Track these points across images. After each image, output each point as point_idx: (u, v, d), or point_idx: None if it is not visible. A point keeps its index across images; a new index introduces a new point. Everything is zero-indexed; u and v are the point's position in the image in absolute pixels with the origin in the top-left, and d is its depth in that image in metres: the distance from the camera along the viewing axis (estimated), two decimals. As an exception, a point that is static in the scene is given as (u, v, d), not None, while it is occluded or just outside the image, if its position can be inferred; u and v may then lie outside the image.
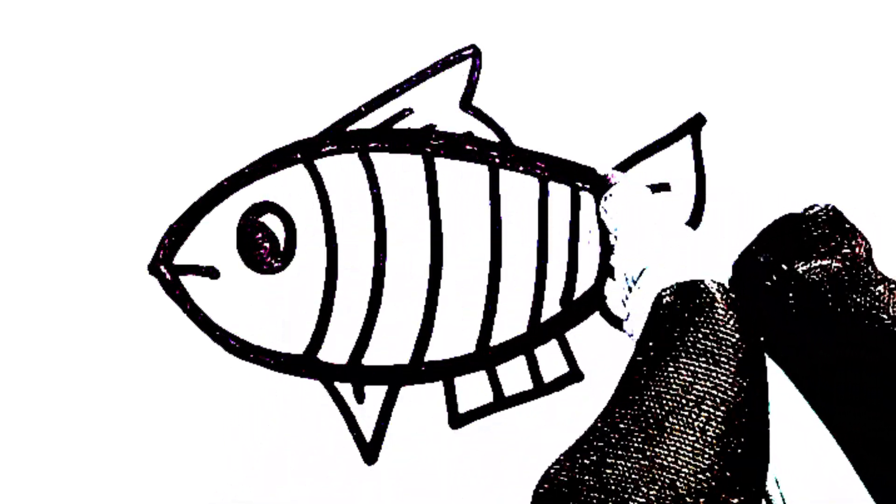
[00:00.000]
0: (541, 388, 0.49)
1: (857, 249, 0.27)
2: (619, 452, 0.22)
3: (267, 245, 0.45)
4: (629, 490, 0.20)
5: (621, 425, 0.22)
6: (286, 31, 0.46)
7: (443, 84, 0.47)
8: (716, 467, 0.21)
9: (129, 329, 0.45)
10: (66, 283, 0.45)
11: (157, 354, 0.45)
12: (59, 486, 0.45)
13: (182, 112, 0.45)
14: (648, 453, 0.21)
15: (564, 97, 0.48)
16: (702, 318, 0.24)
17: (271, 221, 0.45)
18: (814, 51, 0.49)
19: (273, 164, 0.45)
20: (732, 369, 0.23)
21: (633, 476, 0.21)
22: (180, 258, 0.45)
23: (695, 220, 0.49)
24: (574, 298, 0.49)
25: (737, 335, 0.24)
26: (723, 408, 0.22)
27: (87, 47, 0.45)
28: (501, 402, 0.48)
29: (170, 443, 0.45)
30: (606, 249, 0.49)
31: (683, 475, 0.21)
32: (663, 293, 0.26)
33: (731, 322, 0.24)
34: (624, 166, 0.49)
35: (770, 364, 0.26)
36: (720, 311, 0.24)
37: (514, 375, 0.49)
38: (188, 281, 0.45)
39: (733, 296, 0.25)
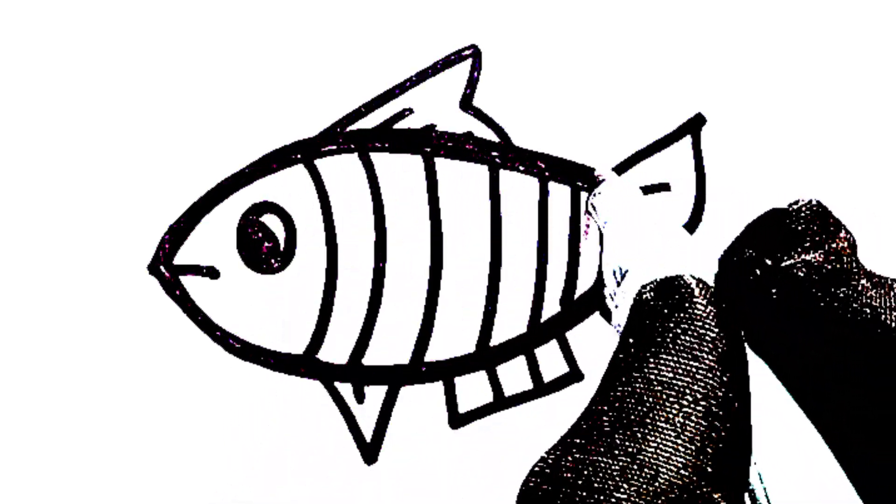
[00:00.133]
0: (541, 388, 0.49)
1: (840, 244, 0.27)
2: (602, 449, 0.22)
3: (267, 245, 0.45)
4: (612, 486, 0.21)
5: (604, 422, 0.23)
6: (286, 31, 0.46)
7: (443, 84, 0.47)
8: (697, 461, 0.21)
9: (129, 329, 0.45)
10: (66, 284, 0.45)
11: (157, 354, 0.45)
12: (60, 486, 0.45)
13: (182, 112, 0.45)
14: (630, 449, 0.21)
15: (564, 97, 0.48)
16: (681, 314, 0.24)
17: (271, 221, 0.45)
18: (814, 51, 0.49)
19: (273, 164, 0.45)
20: (712, 364, 0.23)
21: (615, 472, 0.21)
22: (180, 258, 0.45)
23: (695, 220, 0.49)
24: (574, 298, 0.49)
25: (716, 330, 0.24)
26: (703, 402, 0.22)
27: (87, 47, 0.45)
28: (501, 402, 0.48)
29: (170, 443, 0.45)
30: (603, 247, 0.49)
31: (665, 470, 0.21)
32: (643, 290, 0.27)
33: (711, 317, 0.24)
34: (624, 166, 0.49)
35: (754, 358, 0.26)
36: (699, 306, 0.24)
37: (514, 375, 0.49)
38: (188, 281, 0.45)
39: (713, 290, 0.25)
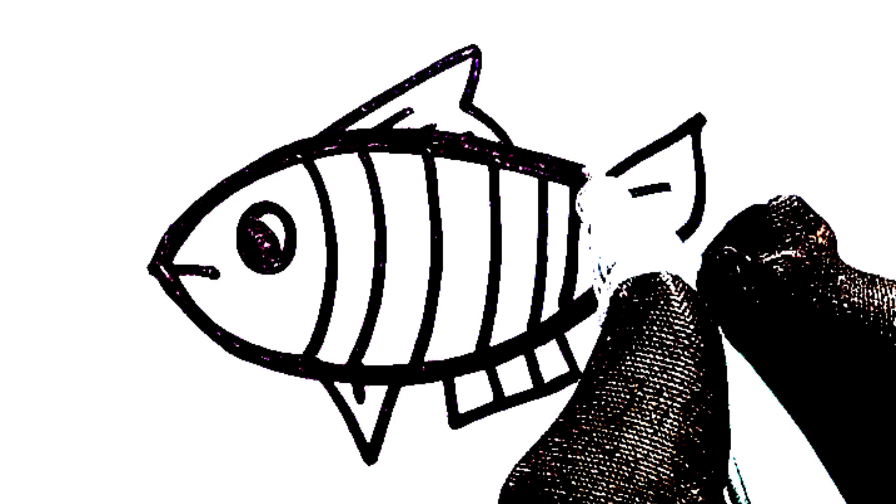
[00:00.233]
0: (541, 388, 0.49)
1: (820, 240, 0.27)
2: (579, 447, 0.22)
3: (267, 245, 0.45)
4: (590, 484, 0.21)
5: (581, 420, 0.23)
6: (286, 31, 0.46)
7: (443, 84, 0.47)
8: (675, 458, 0.21)
9: (129, 329, 0.45)
10: (65, 283, 0.44)
11: (157, 354, 0.45)
12: (59, 486, 0.45)
13: (182, 112, 0.45)
14: (608, 447, 0.21)
15: (564, 97, 0.48)
16: (657, 311, 0.24)
17: (271, 221, 0.45)
18: (814, 51, 0.49)
19: (273, 164, 0.45)
20: (689, 360, 0.23)
21: (592, 470, 0.21)
22: (180, 258, 0.45)
23: (695, 220, 0.49)
24: (574, 298, 0.49)
25: (693, 326, 0.24)
26: (680, 399, 0.22)
27: (87, 47, 0.45)
28: (501, 402, 0.48)
29: (170, 443, 0.45)
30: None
31: (643, 467, 0.21)
32: (620, 287, 0.27)
33: (687, 313, 0.24)
34: (624, 166, 0.49)
35: (734, 354, 0.26)
36: (675, 303, 0.24)
37: (514, 375, 0.49)
38: (188, 281, 0.45)
39: (690, 287, 0.25)
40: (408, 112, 0.47)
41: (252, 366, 0.46)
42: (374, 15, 0.46)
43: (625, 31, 0.48)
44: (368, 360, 0.47)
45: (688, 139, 0.49)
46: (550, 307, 0.49)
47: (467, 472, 0.48)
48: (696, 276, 0.29)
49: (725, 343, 0.26)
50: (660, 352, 0.23)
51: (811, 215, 0.28)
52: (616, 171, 0.49)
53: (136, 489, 0.45)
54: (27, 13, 0.45)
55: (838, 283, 0.25)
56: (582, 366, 0.49)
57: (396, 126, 0.46)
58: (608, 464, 0.21)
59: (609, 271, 0.34)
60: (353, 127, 0.46)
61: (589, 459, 0.21)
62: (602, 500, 0.20)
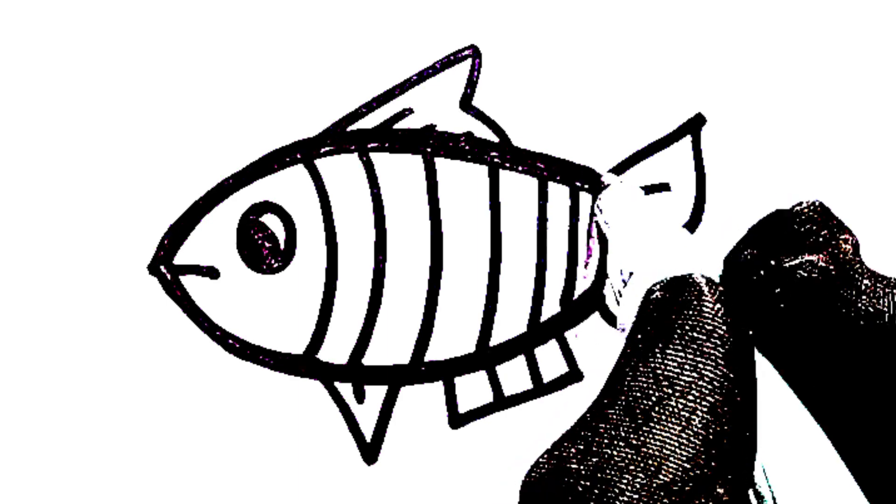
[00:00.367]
0: (541, 388, 0.49)
1: (844, 245, 0.27)
2: (605, 441, 0.22)
3: (267, 245, 0.45)
4: (614, 477, 0.21)
5: (609, 415, 0.23)
6: (286, 31, 0.46)
7: (443, 84, 0.47)
8: (701, 456, 0.21)
9: (129, 329, 0.45)
10: (65, 283, 0.45)
11: (157, 354, 0.45)
12: (59, 486, 0.45)
13: (182, 112, 0.45)
14: (634, 442, 0.21)
15: (564, 97, 0.48)
16: (690, 311, 0.24)
17: (271, 221, 0.46)
18: (814, 51, 0.49)
19: (273, 164, 0.45)
20: (720, 360, 0.23)
21: (618, 463, 0.21)
22: (180, 258, 0.45)
23: (695, 220, 0.49)
24: (574, 298, 0.49)
25: (724, 328, 0.24)
26: (710, 398, 0.22)
27: (87, 47, 0.45)
28: (501, 402, 0.48)
29: (170, 443, 0.45)
30: (604, 248, 0.49)
31: (669, 463, 0.21)
32: (654, 287, 0.27)
33: (720, 315, 0.24)
34: (624, 166, 0.49)
35: (759, 357, 0.26)
36: (708, 304, 0.24)
37: (514, 375, 0.49)
38: (188, 281, 0.45)
39: (722, 289, 0.26)
40: (408, 112, 0.47)
41: (252, 366, 0.46)
42: (375, 15, 0.46)
43: (625, 32, 0.48)
44: (368, 360, 0.47)
45: (688, 139, 0.49)
46: (550, 307, 0.49)
47: (467, 472, 0.48)
48: (718, 280, 0.29)
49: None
50: (691, 351, 0.23)
51: (834, 221, 0.28)
52: (616, 171, 0.49)
53: (137, 488, 0.45)
54: (27, 13, 0.45)
55: (862, 287, 0.25)
56: (582, 366, 0.49)
57: (396, 126, 0.47)
58: (634, 458, 0.21)
59: (629, 276, 0.34)
60: (353, 127, 0.46)
61: (615, 453, 0.21)
62: (627, 493, 0.20)
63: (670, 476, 0.20)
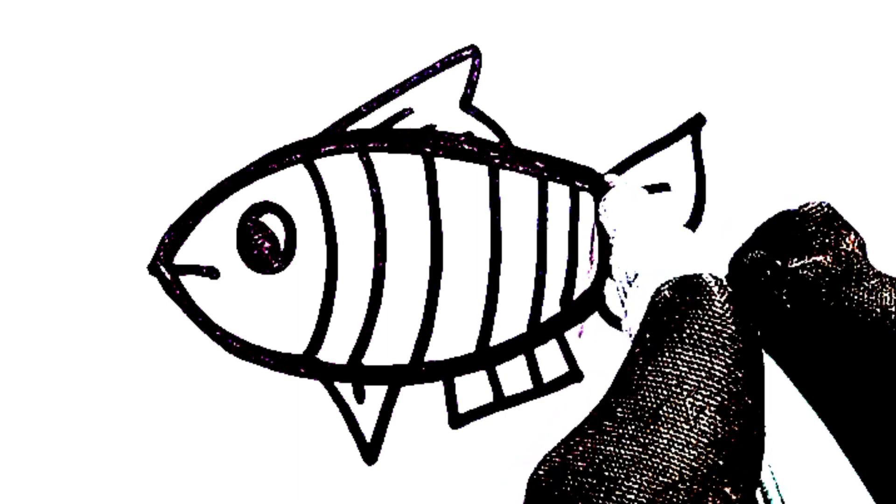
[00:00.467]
0: (541, 388, 0.49)
1: (850, 245, 0.27)
2: (613, 439, 0.22)
3: (267, 245, 0.45)
4: (621, 475, 0.21)
5: (616, 413, 0.23)
6: (286, 31, 0.46)
7: (443, 84, 0.47)
8: (709, 455, 0.21)
9: (129, 329, 0.45)
10: (65, 283, 0.45)
11: (157, 354, 0.45)
12: (59, 486, 0.45)
13: (182, 112, 0.45)
14: (642, 440, 0.21)
15: (564, 97, 0.48)
16: (699, 311, 0.24)
17: (271, 221, 0.46)
18: (814, 51, 0.49)
19: (273, 164, 0.45)
20: (729, 361, 0.23)
21: (626, 462, 0.21)
22: (180, 258, 0.45)
23: (695, 220, 0.49)
24: (574, 298, 0.49)
25: (733, 328, 0.24)
26: (718, 397, 0.22)
27: (87, 47, 0.45)
28: (501, 402, 0.48)
29: (169, 443, 0.45)
30: (606, 249, 0.49)
31: (676, 462, 0.21)
32: (662, 287, 0.27)
33: (728, 315, 0.24)
34: (624, 166, 0.49)
35: (766, 358, 0.26)
36: (717, 303, 0.24)
37: (514, 375, 0.49)
38: (188, 281, 0.45)
39: (731, 290, 0.26)
40: (408, 112, 0.47)
41: (252, 366, 0.46)
42: (375, 15, 0.46)
43: (625, 32, 0.48)
44: (368, 360, 0.47)
45: (688, 139, 0.49)
46: (550, 307, 0.49)
47: (467, 472, 0.48)
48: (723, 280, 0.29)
49: None
50: (700, 350, 0.23)
51: (841, 221, 0.28)
52: (616, 171, 0.49)
53: (137, 488, 0.45)
54: (27, 13, 0.45)
55: (869, 288, 0.25)
56: (582, 366, 0.49)
57: (396, 126, 0.47)
58: (642, 456, 0.21)
59: (635, 278, 0.34)
60: (353, 127, 0.46)
61: (622, 451, 0.21)
62: (634, 491, 0.20)
63: (677, 475, 0.20)
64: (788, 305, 0.26)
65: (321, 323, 0.46)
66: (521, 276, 0.48)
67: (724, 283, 0.26)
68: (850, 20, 0.49)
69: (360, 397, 0.47)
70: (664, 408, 0.22)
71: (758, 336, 0.25)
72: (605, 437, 0.22)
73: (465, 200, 0.47)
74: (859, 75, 0.49)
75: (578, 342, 0.49)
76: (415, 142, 0.47)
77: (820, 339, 0.25)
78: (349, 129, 0.46)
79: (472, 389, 0.48)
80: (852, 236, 0.28)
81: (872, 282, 0.25)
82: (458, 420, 0.48)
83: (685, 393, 0.22)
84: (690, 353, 0.23)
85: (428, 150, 0.47)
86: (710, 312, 0.24)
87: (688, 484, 0.20)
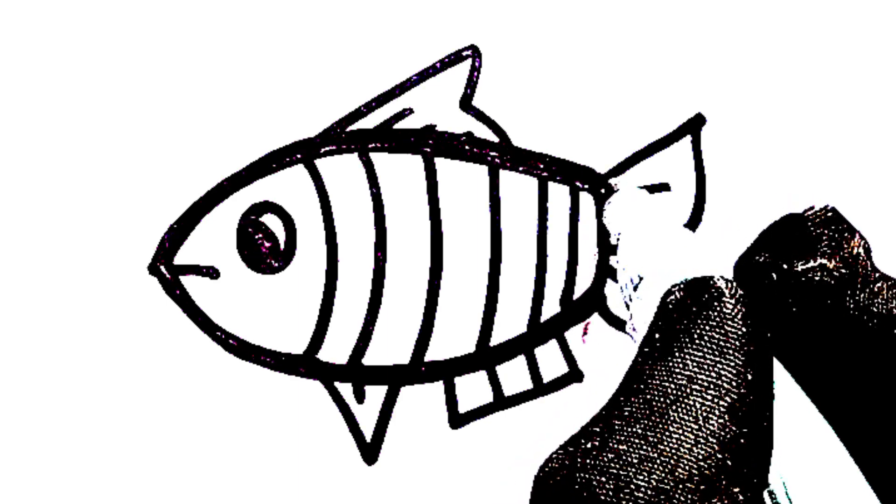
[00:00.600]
0: (541, 388, 0.49)
1: (855, 248, 0.27)
2: (622, 437, 0.22)
3: (267, 245, 0.45)
4: (630, 473, 0.21)
5: (625, 412, 0.23)
6: (286, 31, 0.46)
7: (443, 84, 0.47)
8: (718, 455, 0.21)
9: (129, 329, 0.45)
10: (65, 283, 0.45)
11: (157, 354, 0.45)
12: (59, 486, 0.45)
13: (182, 112, 0.45)
14: (651, 439, 0.21)
15: (564, 97, 0.48)
16: (710, 312, 0.24)
17: (271, 221, 0.46)
18: (814, 51, 0.49)
19: (273, 164, 0.45)
20: (739, 362, 0.23)
21: (634, 460, 0.21)
22: (180, 258, 0.45)
23: (695, 220, 0.49)
24: (574, 298, 0.49)
25: (744, 330, 0.24)
26: (727, 398, 0.22)
27: (87, 47, 0.45)
28: (501, 402, 0.48)
29: (169, 443, 0.45)
30: (605, 249, 0.49)
31: (686, 460, 0.21)
32: (672, 288, 0.27)
33: (739, 316, 0.24)
34: (624, 166, 0.49)
35: (773, 361, 0.26)
36: (728, 305, 0.25)
37: (514, 375, 0.49)
38: (188, 281, 0.45)
39: (742, 292, 0.26)
40: (408, 112, 0.47)
41: (252, 366, 0.46)
42: (375, 15, 0.46)
43: (625, 32, 0.48)
44: (368, 360, 0.47)
45: (688, 139, 0.49)
46: (550, 307, 0.49)
47: (467, 472, 0.48)
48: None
49: None
50: (710, 351, 0.23)
51: (846, 225, 0.28)
52: (616, 171, 0.49)
53: (137, 488, 0.45)
54: (27, 13, 0.45)
55: (875, 290, 0.25)
56: (582, 366, 0.49)
57: (396, 126, 0.47)
58: (651, 455, 0.21)
59: (640, 281, 0.34)
60: (353, 127, 0.46)
61: (632, 449, 0.21)
62: (643, 489, 0.20)
63: (686, 474, 0.20)
64: (794, 308, 0.26)
65: (321, 323, 0.46)
66: (521, 276, 0.48)
67: (735, 285, 0.26)
68: (850, 20, 0.49)
69: (360, 397, 0.47)
70: (673, 407, 0.22)
71: (768, 338, 0.25)
72: (614, 436, 0.22)
73: (465, 200, 0.47)
74: (859, 75, 0.49)
75: (580, 342, 0.49)
76: (415, 142, 0.47)
77: (826, 342, 0.25)
78: (349, 129, 0.46)
79: (472, 389, 0.48)
80: (857, 239, 0.28)
81: (877, 284, 0.25)
82: (458, 420, 0.48)
83: (695, 393, 0.22)
84: (701, 354, 0.23)
85: (428, 150, 0.47)
86: (721, 314, 0.24)
87: (696, 483, 0.20)
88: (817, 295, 0.26)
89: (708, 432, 0.21)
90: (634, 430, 0.22)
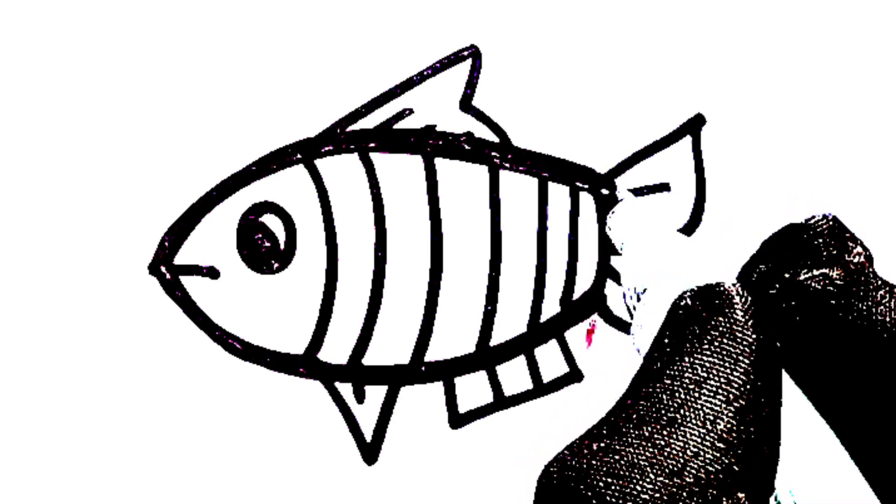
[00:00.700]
0: (541, 388, 0.49)
1: (857, 257, 0.28)
2: (629, 440, 0.22)
3: (267, 245, 0.45)
4: (636, 474, 0.21)
5: (632, 415, 0.23)
6: (286, 31, 0.46)
7: (443, 84, 0.47)
8: (725, 460, 0.21)
9: (129, 329, 0.45)
10: (66, 283, 0.45)
11: (157, 354, 0.45)
12: (59, 486, 0.45)
13: (182, 112, 0.45)
14: (658, 442, 0.22)
15: (564, 97, 0.48)
16: (720, 318, 0.25)
17: (271, 221, 0.46)
18: (814, 51, 0.49)
19: (273, 165, 0.45)
20: (748, 368, 0.23)
21: (641, 462, 0.21)
22: (180, 258, 0.45)
23: (695, 221, 0.49)
24: (574, 298, 0.49)
25: (753, 337, 0.24)
26: (735, 404, 0.22)
27: (87, 47, 0.45)
28: (501, 402, 0.48)
29: (170, 443, 0.45)
30: (605, 250, 0.49)
31: (692, 465, 0.21)
32: (684, 294, 0.27)
33: (749, 323, 0.25)
34: (624, 166, 0.49)
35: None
36: (739, 312, 0.25)
37: (514, 375, 0.49)
38: (188, 281, 0.45)
39: (752, 299, 0.26)
40: (408, 112, 0.47)
41: (252, 366, 0.46)
42: (375, 15, 0.46)
43: (625, 32, 0.48)
44: (368, 360, 0.47)
45: (688, 139, 0.49)
46: (551, 307, 0.49)
47: (467, 472, 0.48)
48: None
49: None
50: (719, 356, 0.24)
51: (847, 234, 0.29)
52: (616, 171, 0.49)
53: (137, 488, 0.45)
54: (27, 13, 0.45)
55: (878, 298, 0.25)
56: (582, 366, 0.49)
57: (396, 126, 0.47)
58: (658, 457, 0.21)
59: (643, 291, 0.34)
60: (353, 127, 0.46)
61: (639, 451, 0.22)
62: (649, 491, 0.20)
63: (692, 477, 0.20)
64: (798, 317, 0.26)
65: (321, 323, 0.46)
66: (521, 276, 0.48)
67: (746, 292, 0.26)
68: (850, 20, 0.49)
69: (360, 397, 0.47)
70: (681, 411, 0.22)
71: (777, 346, 0.25)
72: (621, 438, 0.22)
73: (465, 200, 0.47)
74: (859, 75, 0.49)
75: (584, 347, 0.49)
76: (415, 142, 0.47)
77: (829, 350, 0.25)
78: (349, 129, 0.46)
79: (472, 389, 0.48)
80: (859, 248, 0.28)
81: (880, 292, 0.26)
82: (458, 420, 0.48)
83: (703, 397, 0.22)
84: (710, 359, 0.23)
85: (428, 150, 0.47)
86: (732, 320, 0.24)
87: (703, 487, 0.20)
88: (820, 304, 0.26)
89: (715, 436, 0.21)
90: (642, 432, 0.22)
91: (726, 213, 0.49)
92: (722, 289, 0.26)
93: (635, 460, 0.21)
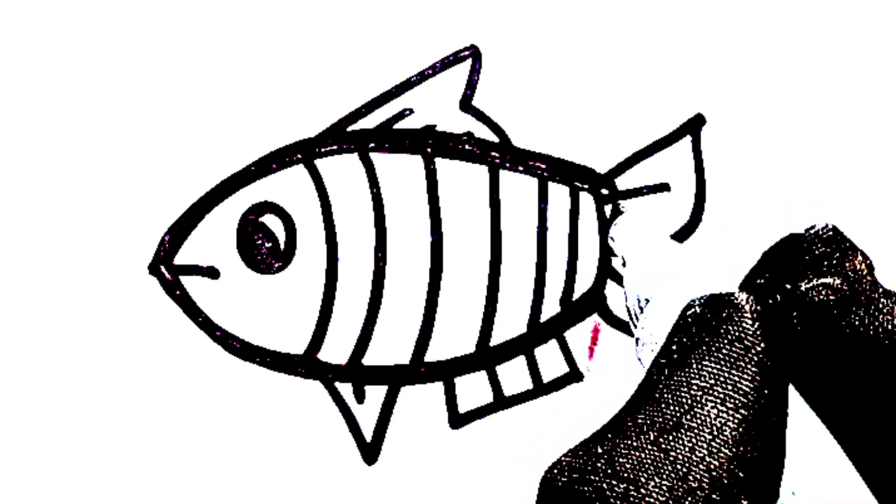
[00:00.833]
0: (541, 388, 0.49)
1: (858, 266, 0.28)
2: (634, 443, 0.22)
3: (267, 245, 0.45)
4: (641, 478, 0.21)
5: (638, 419, 0.23)
6: (286, 31, 0.46)
7: (443, 84, 0.47)
8: (730, 466, 0.21)
9: (129, 329, 0.45)
10: (66, 283, 0.44)
11: (157, 354, 0.45)
12: (59, 486, 0.45)
13: (182, 112, 0.45)
14: (664, 446, 0.22)
15: (564, 97, 0.48)
16: (728, 326, 0.25)
17: (271, 221, 0.46)
18: (814, 51, 0.49)
19: (273, 164, 0.45)
20: (755, 377, 0.24)
21: (646, 465, 0.21)
22: (180, 258, 0.45)
23: (694, 221, 0.49)
24: (574, 298, 0.49)
25: (762, 346, 0.24)
26: (742, 411, 0.22)
27: (87, 47, 0.45)
28: (501, 402, 0.48)
29: (170, 443, 0.45)
30: (605, 250, 0.49)
31: (697, 470, 0.21)
32: (692, 303, 0.27)
33: (758, 333, 0.25)
34: (624, 166, 0.49)
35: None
36: (747, 321, 0.25)
37: (514, 375, 0.49)
38: (188, 281, 0.45)
39: (760, 308, 0.26)
40: (408, 112, 0.47)
41: (252, 366, 0.46)
42: (375, 15, 0.46)
43: (625, 32, 0.48)
44: (368, 360, 0.47)
45: (688, 139, 0.49)
46: (551, 307, 0.49)
47: (467, 472, 0.48)
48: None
49: None
50: (728, 364, 0.24)
51: (847, 243, 0.29)
52: (616, 171, 0.49)
53: (137, 488, 0.45)
54: (27, 13, 0.45)
55: (880, 307, 0.25)
56: (582, 366, 0.49)
57: (396, 126, 0.47)
58: (663, 461, 0.21)
59: (647, 302, 0.34)
60: (354, 127, 0.46)
61: (644, 455, 0.22)
62: (654, 494, 0.20)
63: (697, 482, 0.21)
64: (799, 327, 0.27)
65: (321, 323, 0.46)
66: (521, 276, 0.48)
67: (754, 301, 0.26)
68: (850, 20, 0.49)
69: (360, 397, 0.47)
70: (688, 416, 0.22)
71: (785, 356, 0.25)
72: (626, 441, 0.22)
73: (465, 200, 0.47)
74: (859, 75, 0.49)
75: (587, 355, 0.49)
76: (415, 142, 0.47)
77: (831, 359, 0.26)
78: (349, 129, 0.46)
79: (472, 389, 0.48)
80: (860, 257, 0.28)
81: (881, 301, 0.26)
82: (458, 420, 0.48)
83: (710, 403, 0.22)
84: (718, 366, 0.24)
85: (428, 150, 0.47)
86: (740, 328, 0.25)
87: (707, 492, 0.20)
88: (821, 313, 0.26)
89: (721, 442, 0.21)
90: (647, 436, 0.22)
91: (726, 213, 0.49)
92: (731, 297, 0.26)
93: (640, 464, 0.21)
